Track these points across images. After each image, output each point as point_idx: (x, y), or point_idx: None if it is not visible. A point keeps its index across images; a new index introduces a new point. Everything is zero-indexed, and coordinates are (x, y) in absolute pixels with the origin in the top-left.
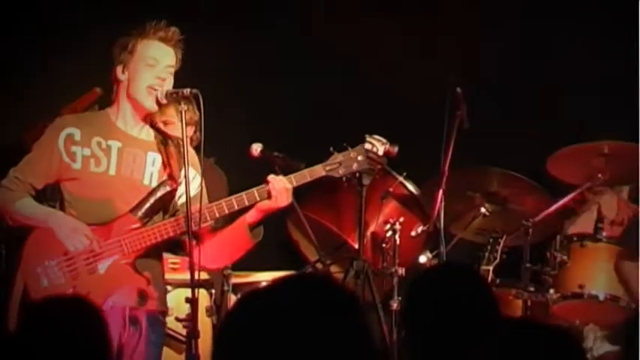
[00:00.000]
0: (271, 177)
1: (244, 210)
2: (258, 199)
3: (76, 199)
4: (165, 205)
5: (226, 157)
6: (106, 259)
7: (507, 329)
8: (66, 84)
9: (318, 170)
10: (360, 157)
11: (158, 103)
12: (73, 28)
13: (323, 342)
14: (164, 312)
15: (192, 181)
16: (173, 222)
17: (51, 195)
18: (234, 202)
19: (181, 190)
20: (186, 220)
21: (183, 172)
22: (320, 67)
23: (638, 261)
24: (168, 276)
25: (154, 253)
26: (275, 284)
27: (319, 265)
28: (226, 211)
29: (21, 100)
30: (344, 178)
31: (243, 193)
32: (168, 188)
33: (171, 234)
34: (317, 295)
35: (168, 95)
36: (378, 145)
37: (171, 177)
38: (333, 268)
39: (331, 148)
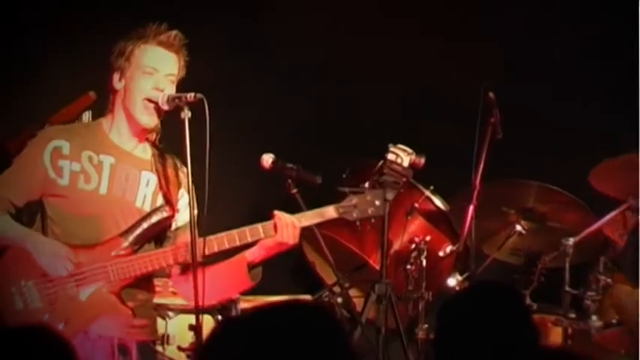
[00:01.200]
0: (277, 212)
1: (244, 246)
2: (262, 235)
3: (61, 216)
4: (159, 232)
5: (232, 170)
6: (88, 285)
7: None
8: (57, 87)
9: (330, 212)
10: (377, 202)
11: (158, 112)
12: (66, 26)
13: None
14: (154, 341)
15: (185, 208)
16: (168, 252)
17: (31, 208)
18: (236, 236)
19: (176, 216)
20: (191, 245)
21: (180, 194)
22: (342, 72)
23: (634, 285)
24: (169, 301)
25: (144, 279)
26: (256, 310)
27: (337, 289)
28: (226, 246)
29: (6, 105)
30: (357, 222)
31: (247, 228)
32: (164, 214)
33: (163, 264)
34: (300, 322)
35: (170, 100)
36: (402, 156)
37: (168, 201)
38: (353, 292)
39: (347, 189)
